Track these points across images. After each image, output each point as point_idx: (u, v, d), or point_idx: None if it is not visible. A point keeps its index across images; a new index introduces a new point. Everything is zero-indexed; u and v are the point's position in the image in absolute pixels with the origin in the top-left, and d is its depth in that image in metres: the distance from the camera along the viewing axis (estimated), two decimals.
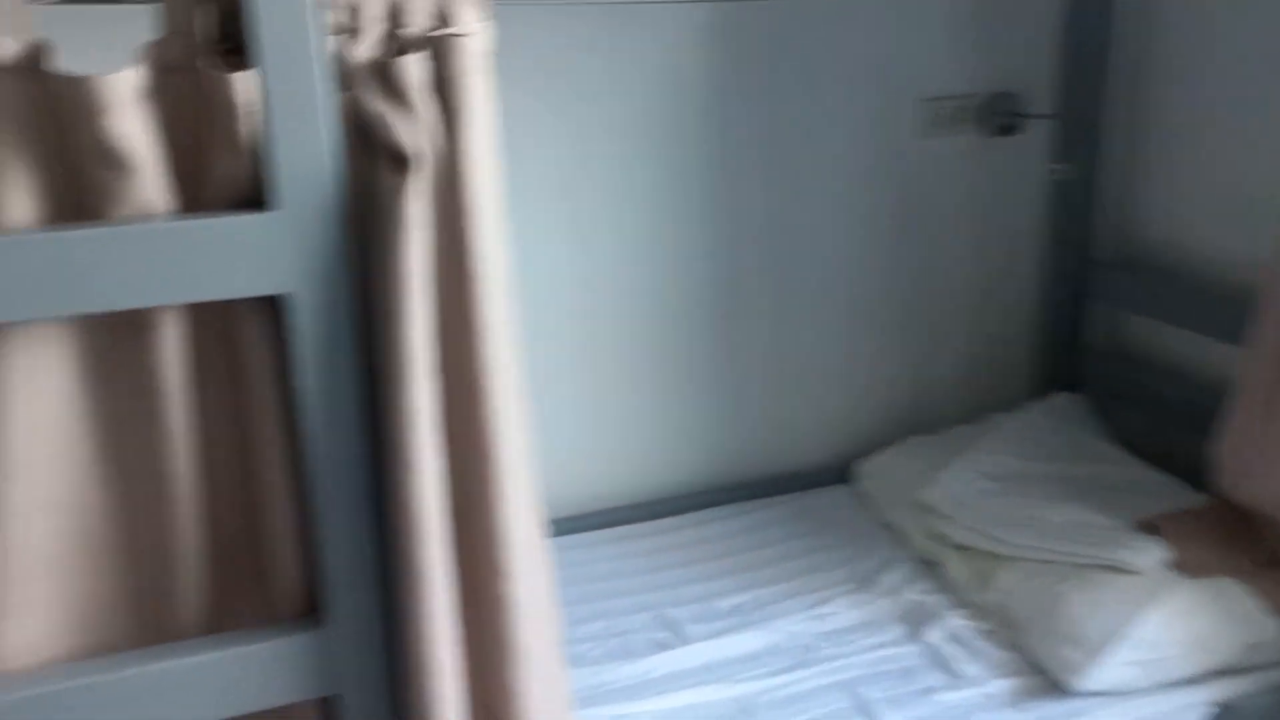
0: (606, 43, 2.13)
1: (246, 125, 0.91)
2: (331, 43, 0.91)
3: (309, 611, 1.04)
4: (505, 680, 1.04)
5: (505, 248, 0.97)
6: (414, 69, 0.91)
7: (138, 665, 0.98)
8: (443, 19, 0.92)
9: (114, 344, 0.95)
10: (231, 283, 0.91)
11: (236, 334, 0.98)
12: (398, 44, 0.93)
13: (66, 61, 0.91)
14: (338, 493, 0.98)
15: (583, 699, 1.67)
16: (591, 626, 1.88)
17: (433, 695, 1.01)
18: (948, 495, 2.08)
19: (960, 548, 2.00)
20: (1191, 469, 2.09)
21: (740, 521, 2.27)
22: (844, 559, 2.11)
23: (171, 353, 0.96)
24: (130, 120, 0.88)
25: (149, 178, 0.90)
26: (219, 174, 0.93)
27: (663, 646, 1.83)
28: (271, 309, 0.95)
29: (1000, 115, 2.44)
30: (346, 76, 0.92)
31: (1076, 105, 2.43)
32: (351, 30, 0.94)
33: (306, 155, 0.90)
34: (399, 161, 0.92)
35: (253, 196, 0.92)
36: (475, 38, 0.91)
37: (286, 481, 1.01)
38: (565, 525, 2.24)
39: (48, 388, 0.94)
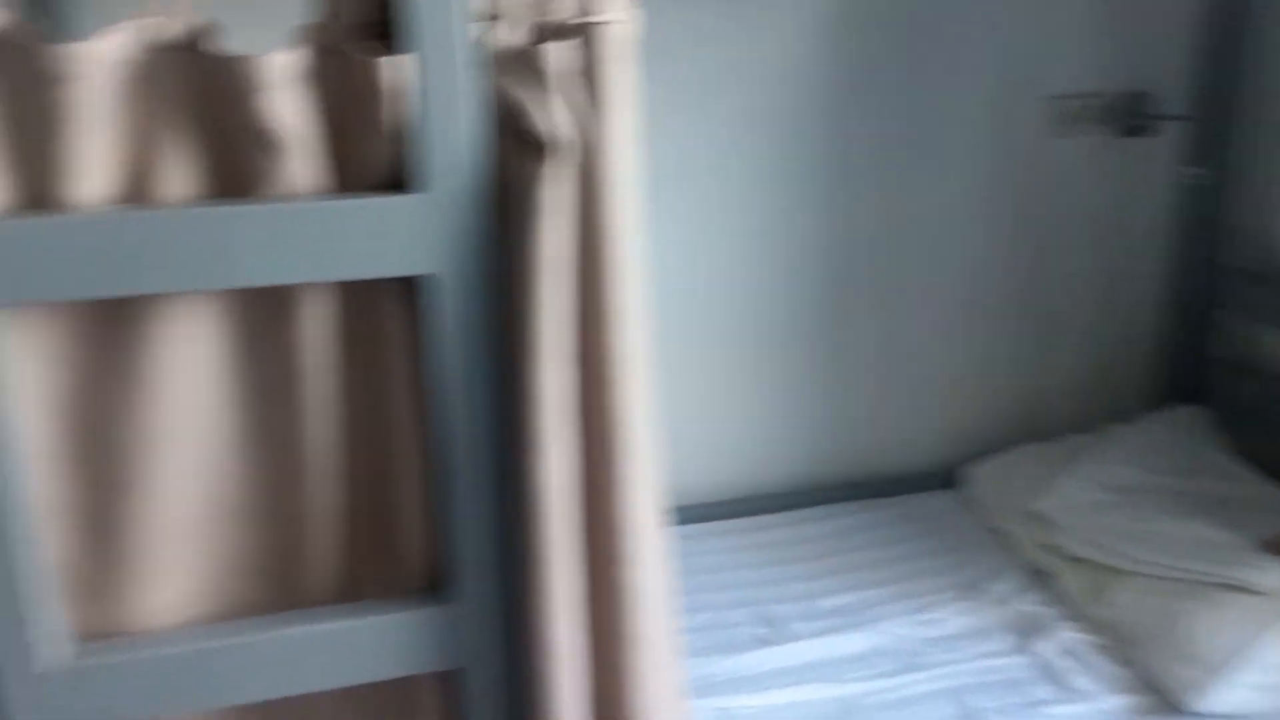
0: (726, 34, 2.12)
1: (390, 110, 0.93)
2: (477, 29, 0.93)
3: (431, 587, 1.06)
4: (621, 666, 1.05)
5: (642, 237, 0.97)
6: (555, 56, 0.92)
7: (271, 630, 1.02)
8: (589, 6, 0.93)
9: (259, 319, 0.99)
10: (376, 262, 0.93)
11: (376, 313, 1.00)
12: (543, 31, 0.93)
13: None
14: (466, 472, 1.00)
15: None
16: (694, 619, 1.89)
17: (550, 676, 1.02)
18: (1064, 505, 2.03)
19: (1075, 559, 1.95)
20: None
21: (843, 522, 2.25)
22: (950, 565, 2.07)
23: (313, 330, 0.98)
24: (285, 101, 0.90)
25: (300, 158, 0.92)
26: (362, 156, 0.95)
27: (765, 642, 1.82)
28: (409, 290, 0.97)
29: (1129, 115, 2.36)
30: (491, 62, 0.94)
31: (1210, 107, 2.34)
32: (497, 16, 0.95)
33: (452, 140, 0.91)
34: (538, 148, 0.93)
35: (392, 179, 0.94)
36: (622, 25, 0.92)
37: (417, 459, 1.03)
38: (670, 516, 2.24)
39: (195, 359, 0.98)
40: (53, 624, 0.96)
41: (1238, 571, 1.74)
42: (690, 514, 2.28)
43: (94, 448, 0.97)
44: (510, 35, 0.94)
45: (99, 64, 0.87)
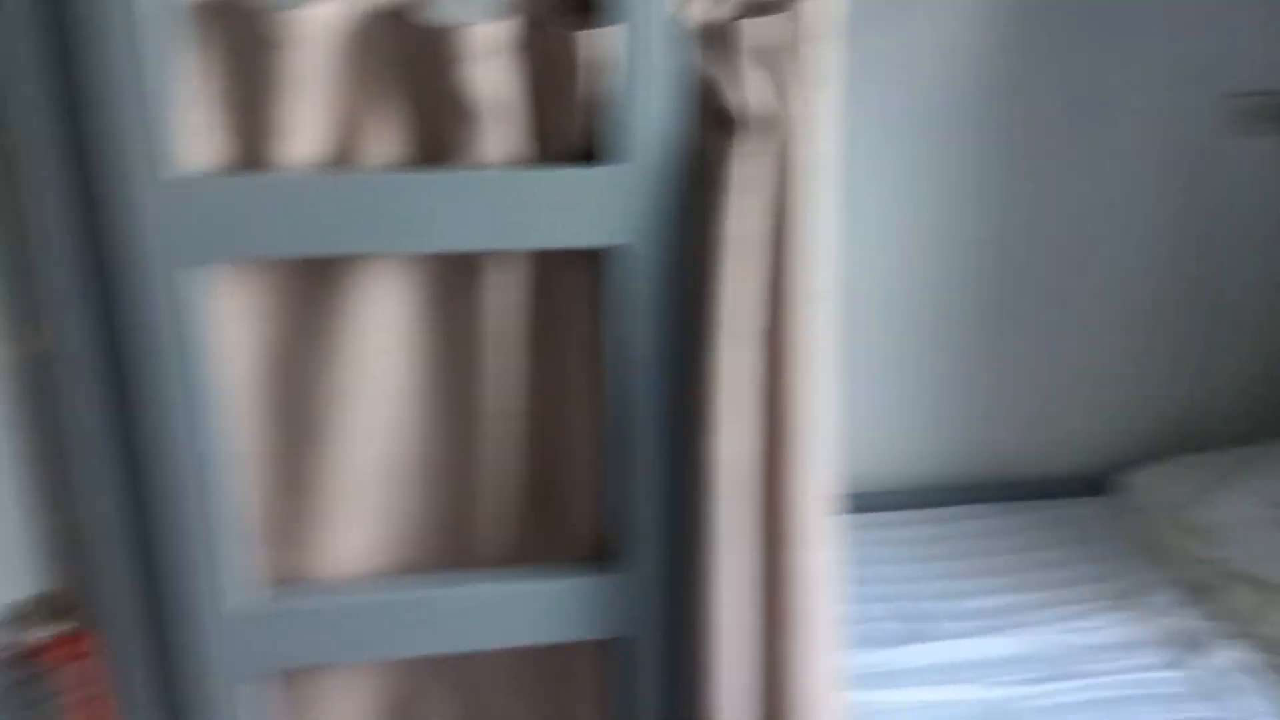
0: (882, 22, 2.07)
1: (586, 82, 0.94)
2: (675, 4, 0.93)
3: (597, 556, 1.07)
4: (784, 648, 1.04)
5: (835, 217, 0.96)
6: (755, 31, 0.91)
7: (446, 587, 1.04)
8: None
9: (448, 284, 1.01)
10: (567, 233, 0.94)
11: (560, 284, 1.01)
12: (746, 6, 0.93)
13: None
14: (642, 445, 1.01)
15: None
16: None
17: (714, 653, 1.02)
18: (1228, 519, 1.94)
19: (1238, 575, 1.86)
20: None
21: (989, 523, 2.19)
22: (1101, 573, 2.00)
23: (499, 297, 1.00)
24: (490, 71, 0.92)
25: (499, 127, 0.94)
26: (557, 128, 0.96)
27: (912, 639, 1.79)
28: (595, 261, 0.98)
29: None
30: (690, 37, 0.94)
31: None
32: None
33: (648, 113, 0.92)
34: (732, 124, 0.93)
35: (584, 151, 0.95)
36: (828, 2, 0.90)
37: (594, 429, 1.04)
38: None
39: (387, 320, 1.01)
40: (245, 568, 1.00)
41: None
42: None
43: (290, 401, 1.01)
44: (711, 10, 0.93)
45: (316, 30, 0.91)
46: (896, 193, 2.18)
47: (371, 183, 0.92)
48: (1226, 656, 1.73)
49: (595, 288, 1.00)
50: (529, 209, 0.93)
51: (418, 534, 1.08)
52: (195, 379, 0.93)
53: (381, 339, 1.01)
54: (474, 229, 0.93)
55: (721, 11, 0.94)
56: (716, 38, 0.93)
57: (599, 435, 1.04)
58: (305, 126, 0.93)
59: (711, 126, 0.94)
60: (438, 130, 0.96)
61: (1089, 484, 2.34)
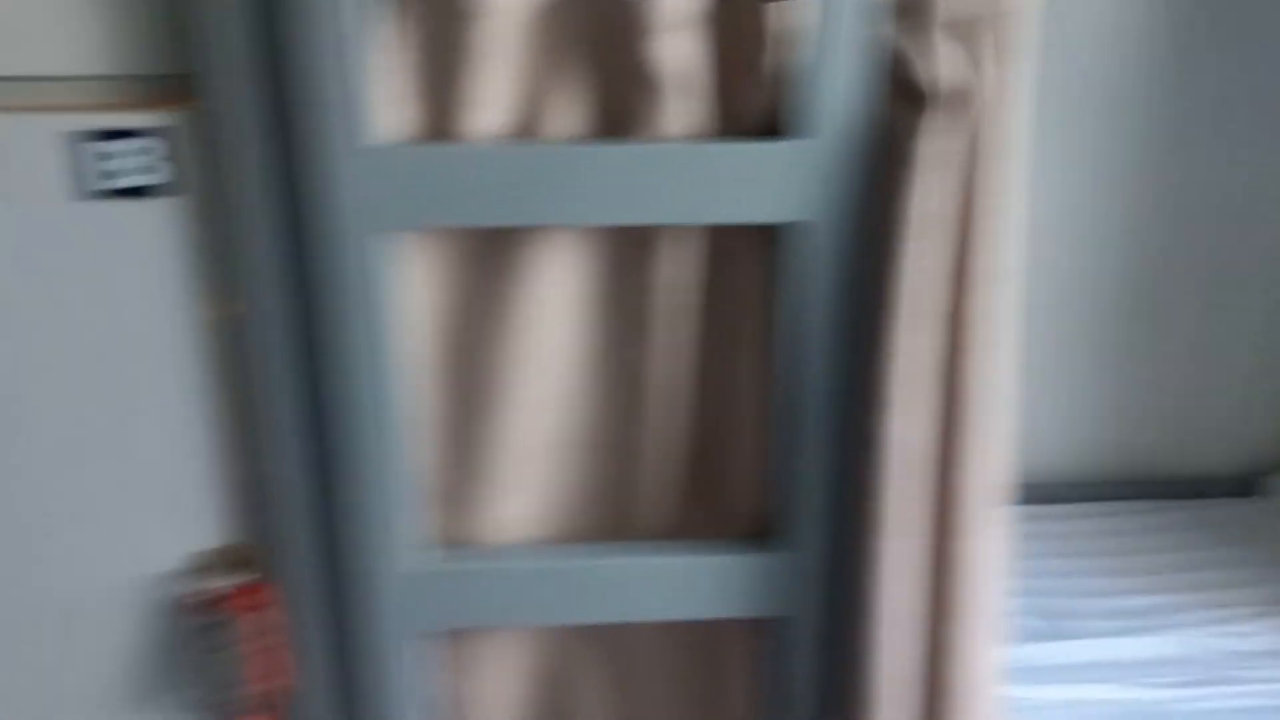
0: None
1: (774, 55, 0.93)
2: None
3: (758, 534, 1.07)
4: (947, 637, 1.02)
5: (1022, 197, 0.93)
6: (946, 4, 0.89)
7: (609, 557, 1.05)
8: None
9: (623, 257, 1.01)
10: (748, 208, 0.93)
11: (735, 259, 1.01)
12: None
13: None
14: (811, 425, 1.00)
15: None
16: None
17: (877, 638, 1.01)
18: None
19: None
20: None
21: (1139, 520, 2.12)
22: (1255, 578, 1.92)
23: (673, 271, 1.00)
24: (677, 44, 0.92)
25: (683, 100, 0.93)
26: (741, 101, 0.95)
27: (1055, 636, 1.75)
28: (771, 237, 0.97)
29: None
30: (881, 9, 0.92)
31: None
32: None
33: (837, 86, 0.90)
34: (922, 99, 0.91)
35: (767, 125, 0.94)
36: None
37: (760, 408, 1.04)
38: None
39: (562, 290, 1.02)
40: (418, 529, 1.02)
41: None
42: None
43: (464, 367, 1.03)
44: None
45: (510, 1, 0.91)
46: (1049, 178, 2.11)
47: (557, 155, 0.92)
48: None
49: (771, 264, 0.99)
50: (710, 183, 0.92)
51: (579, 504, 1.09)
52: (380, 343, 0.95)
53: (555, 310, 1.02)
54: (655, 202, 0.93)
55: None
56: (909, 9, 0.91)
57: (765, 413, 1.04)
58: (494, 97, 0.94)
59: (900, 101, 0.92)
60: (621, 103, 0.96)
61: (1240, 484, 2.25)
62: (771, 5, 0.92)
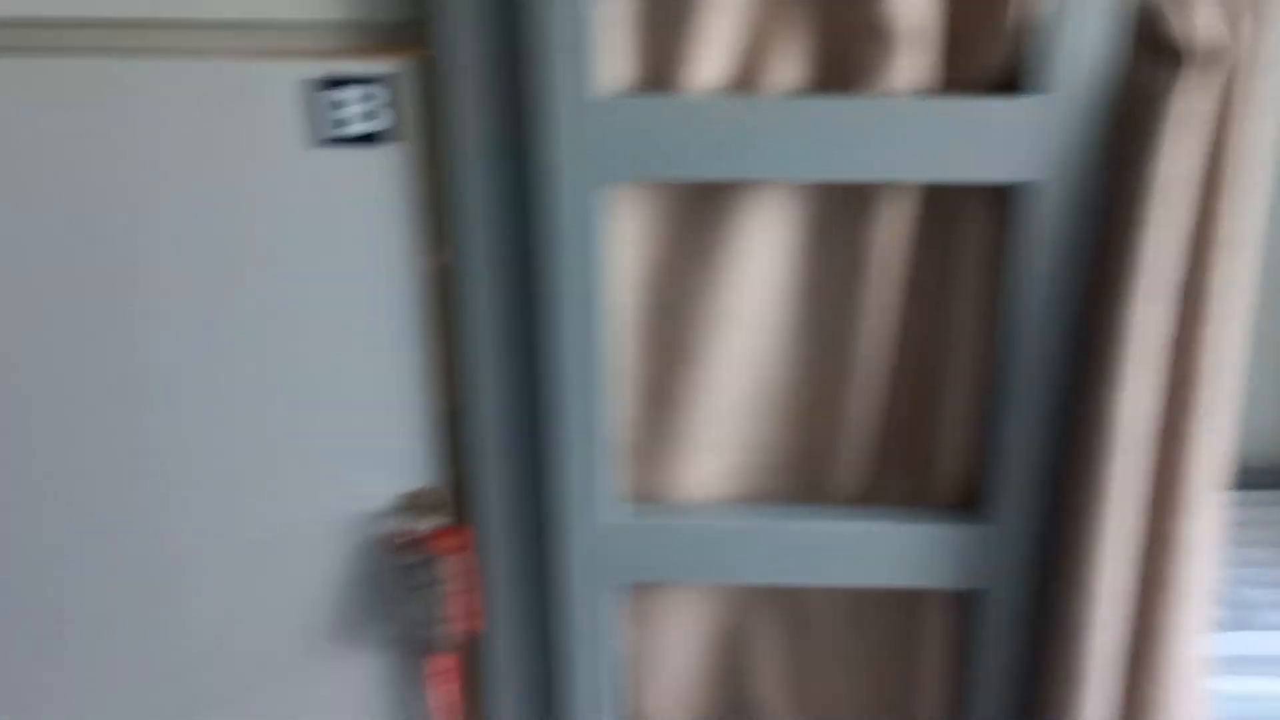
0: None
1: (1014, 5, 0.89)
2: None
3: (960, 503, 1.04)
4: (1159, 618, 0.98)
5: (1272, 160, 0.88)
6: None
7: (803, 519, 1.04)
8: None
9: (835, 213, 0.99)
10: (978, 167, 0.90)
11: (954, 220, 0.98)
12: None
13: None
14: (1027, 395, 0.96)
15: None
16: None
17: (1086, 617, 0.97)
18: None
19: None
20: None
21: None
22: None
23: (887, 230, 0.98)
24: None
25: (914, 54, 0.90)
26: (977, 55, 0.91)
27: (1230, 626, 1.67)
28: (996, 198, 0.94)
29: None
30: None
31: None
32: None
33: (1081, 41, 0.86)
34: (1174, 55, 0.86)
35: (1002, 81, 0.91)
36: None
37: (970, 374, 1.01)
38: None
39: (770, 246, 1.00)
40: (614, 482, 1.03)
41: None
42: None
43: (666, 322, 1.03)
44: None
45: None
46: None
47: (778, 108, 0.90)
48: None
49: (992, 226, 0.96)
50: (938, 140, 0.89)
51: (775, 463, 1.08)
52: (592, 297, 0.95)
53: (763, 266, 1.01)
54: (879, 158, 0.90)
55: None
56: None
57: (975, 381, 1.01)
58: (715, 49, 0.92)
59: (1149, 57, 0.87)
60: (847, 55, 0.93)
61: None
62: None
